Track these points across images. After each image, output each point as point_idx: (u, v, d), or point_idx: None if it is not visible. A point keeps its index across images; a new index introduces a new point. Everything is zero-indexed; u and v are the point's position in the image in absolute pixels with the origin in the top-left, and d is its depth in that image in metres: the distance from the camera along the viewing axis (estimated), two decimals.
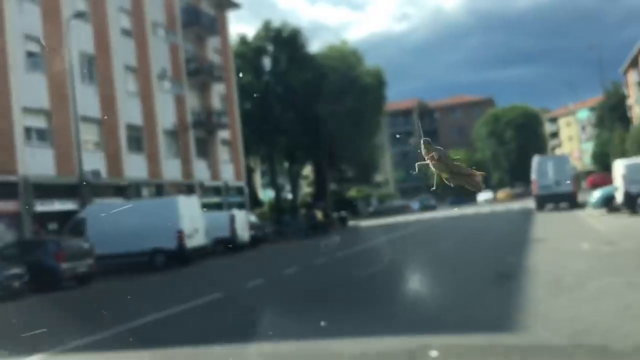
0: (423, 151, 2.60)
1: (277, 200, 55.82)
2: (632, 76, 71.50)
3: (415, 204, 72.00)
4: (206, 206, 32.00)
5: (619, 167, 26.92)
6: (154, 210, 24.24)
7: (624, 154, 42.52)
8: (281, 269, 17.87)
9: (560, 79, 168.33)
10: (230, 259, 26.75)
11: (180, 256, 23.49)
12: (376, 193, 79.71)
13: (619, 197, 26.71)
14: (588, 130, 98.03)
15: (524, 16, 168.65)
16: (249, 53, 52.39)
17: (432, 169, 2.63)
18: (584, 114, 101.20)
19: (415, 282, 11.67)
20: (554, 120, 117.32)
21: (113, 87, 32.96)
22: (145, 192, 34.39)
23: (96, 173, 28.88)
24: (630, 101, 73.12)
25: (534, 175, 36.65)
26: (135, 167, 33.82)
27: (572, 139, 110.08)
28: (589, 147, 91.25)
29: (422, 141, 2.60)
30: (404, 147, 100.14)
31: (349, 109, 51.49)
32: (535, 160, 37.48)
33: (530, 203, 41.14)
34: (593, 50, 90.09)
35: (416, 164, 2.69)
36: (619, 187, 26.78)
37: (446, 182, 2.67)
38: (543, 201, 36.63)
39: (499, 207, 50.10)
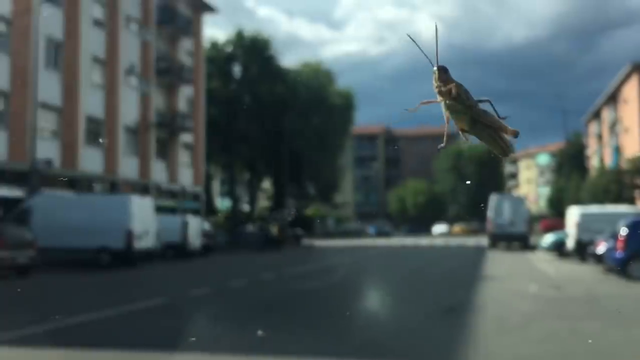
0: (435, 82, 1.81)
1: (234, 211, 55.17)
2: (593, 127, 73.49)
3: (371, 229, 72.20)
4: (160, 209, 31.31)
5: (574, 214, 27.34)
6: (104, 206, 23.56)
7: (578, 202, 43.40)
8: (228, 280, 17.46)
9: (525, 121, 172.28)
10: (178, 265, 26.15)
11: (126, 257, 22.82)
12: (334, 214, 79.66)
13: (570, 244, 27.09)
14: (546, 175, 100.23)
15: (497, 56, 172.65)
16: (219, 58, 51.99)
17: (444, 110, 1.84)
18: (543, 159, 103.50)
19: (364, 309, 11.45)
20: (514, 161, 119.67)
21: (77, 76, 32.17)
22: (98, 187, 33.52)
23: (48, 162, 27.98)
24: (589, 152, 75.06)
25: (490, 213, 37.05)
26: (90, 160, 32.97)
27: (530, 182, 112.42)
28: (545, 191, 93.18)
29: (435, 69, 1.79)
30: (366, 171, 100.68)
31: (315, 127, 51.48)
32: (493, 198, 37.92)
33: (483, 240, 41.55)
34: (559, 98, 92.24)
35: (419, 103, 1.88)
36: (570, 234, 27.17)
37: (464, 133, 1.87)
38: (496, 239, 37.04)
39: (453, 241, 50.48)
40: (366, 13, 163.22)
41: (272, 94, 50.05)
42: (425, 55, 1.80)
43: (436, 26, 1.81)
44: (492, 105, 1.86)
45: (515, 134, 1.85)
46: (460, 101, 1.80)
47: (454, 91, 1.78)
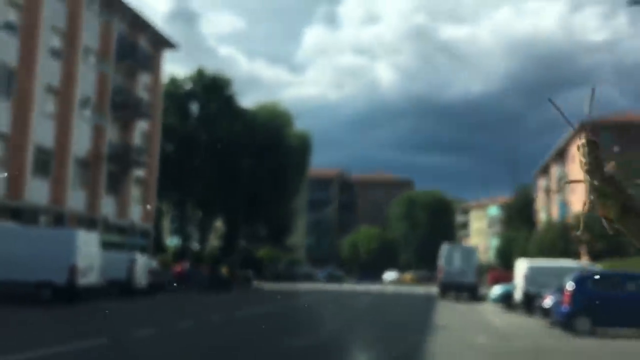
0: (582, 158, 1.43)
1: (183, 249, 54.11)
2: (542, 182, 75.55)
3: (322, 274, 71.78)
4: (107, 245, 30.40)
5: (522, 266, 27.68)
6: (48, 240, 22.72)
7: (525, 254, 44.13)
8: (175, 321, 16.93)
9: (478, 173, 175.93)
10: (124, 304, 25.32)
11: (69, 292, 21.95)
12: (285, 256, 79.00)
13: (518, 296, 27.36)
14: (496, 226, 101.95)
15: (453, 108, 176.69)
16: (178, 95, 51.79)
17: (589, 192, 1.44)
18: (493, 210, 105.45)
19: (314, 357, 11.18)
20: (466, 211, 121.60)
21: (29, 105, 31.45)
22: (43, 219, 32.45)
23: None
24: (537, 205, 76.89)
25: (441, 262, 37.30)
26: (37, 191, 31.98)
27: (481, 233, 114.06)
28: (495, 242, 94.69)
29: (583, 142, 1.45)
30: (319, 215, 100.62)
31: (270, 168, 51.40)
32: (444, 248, 38.24)
33: (433, 289, 41.70)
34: (511, 152, 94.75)
35: (563, 182, 1.50)
36: (518, 286, 27.47)
37: (609, 222, 1.44)
38: (446, 288, 37.22)
39: (404, 289, 50.53)
40: (326, 59, 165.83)
41: (229, 133, 49.92)
42: (565, 118, 1.53)
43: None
44: None
45: None
46: (613, 184, 1.42)
47: (609, 171, 1.43)
